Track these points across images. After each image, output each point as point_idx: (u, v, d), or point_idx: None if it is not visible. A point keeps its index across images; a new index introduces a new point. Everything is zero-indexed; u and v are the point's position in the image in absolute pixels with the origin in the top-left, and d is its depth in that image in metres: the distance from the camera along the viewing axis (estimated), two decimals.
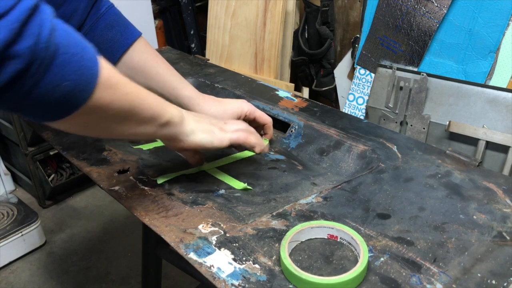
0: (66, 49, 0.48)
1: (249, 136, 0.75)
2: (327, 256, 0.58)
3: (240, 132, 0.75)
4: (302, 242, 0.60)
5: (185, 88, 0.88)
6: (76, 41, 0.50)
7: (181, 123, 0.68)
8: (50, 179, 2.08)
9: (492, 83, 1.58)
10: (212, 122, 0.74)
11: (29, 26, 0.44)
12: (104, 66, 0.53)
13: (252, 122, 0.91)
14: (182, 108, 0.84)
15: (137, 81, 0.85)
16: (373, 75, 1.84)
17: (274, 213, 0.66)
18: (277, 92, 1.05)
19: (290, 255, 0.57)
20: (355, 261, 0.56)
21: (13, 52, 0.43)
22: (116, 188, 0.73)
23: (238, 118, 0.88)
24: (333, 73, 2.14)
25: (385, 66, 1.76)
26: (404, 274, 0.54)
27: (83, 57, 0.50)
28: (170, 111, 0.65)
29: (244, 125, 0.78)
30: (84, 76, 0.49)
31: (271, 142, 0.94)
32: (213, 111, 0.87)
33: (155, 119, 0.63)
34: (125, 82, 0.57)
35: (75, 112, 0.51)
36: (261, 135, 0.93)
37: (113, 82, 0.54)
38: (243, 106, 0.88)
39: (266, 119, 0.90)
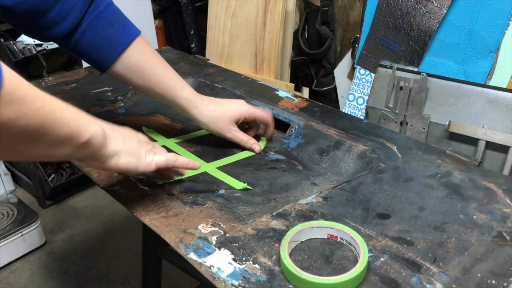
0: None
1: (178, 158, 0.71)
2: (327, 256, 0.58)
3: (169, 155, 0.70)
4: (302, 242, 0.60)
5: (183, 89, 0.86)
6: None
7: (104, 144, 0.60)
8: (50, 179, 2.08)
9: (492, 83, 1.58)
10: (140, 141, 0.67)
11: None
12: (8, 77, 0.45)
13: (253, 122, 0.91)
14: (181, 109, 0.82)
15: (135, 81, 0.85)
16: (373, 75, 1.84)
17: (274, 213, 0.66)
18: (277, 92, 1.05)
19: (290, 255, 0.57)
20: (355, 261, 0.56)
21: None
22: (116, 188, 0.73)
23: (237, 121, 0.87)
24: (333, 73, 2.14)
25: (385, 66, 1.76)
26: (404, 274, 0.54)
27: None
28: (91, 129, 0.57)
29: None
30: None
31: (270, 141, 0.94)
32: (211, 113, 0.86)
33: (71, 139, 0.55)
34: (35, 95, 0.49)
35: None
36: (259, 135, 0.93)
37: (18, 95, 0.46)
38: (242, 108, 0.87)
39: (267, 119, 0.89)
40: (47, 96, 0.51)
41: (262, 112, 0.89)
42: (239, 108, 0.87)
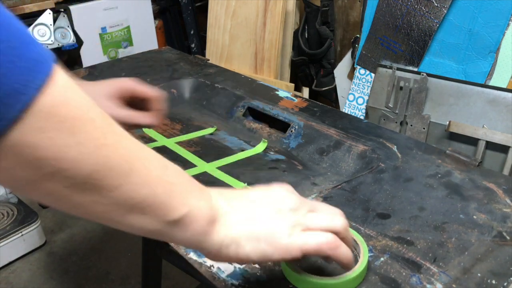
0: None
1: (339, 247, 0.46)
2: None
3: (326, 238, 0.45)
4: None
5: None
6: (10, 25, 0.30)
7: (210, 229, 0.42)
8: None
9: (492, 83, 1.58)
10: (281, 211, 0.45)
11: None
12: (65, 84, 0.32)
13: (138, 101, 0.75)
14: None
15: None
16: (373, 75, 1.84)
17: None
18: (277, 92, 1.05)
19: None
20: (355, 261, 0.56)
21: None
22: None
23: (116, 98, 0.72)
24: (333, 73, 2.14)
25: (385, 66, 1.76)
26: (404, 274, 0.54)
27: (17, 50, 0.30)
28: (189, 204, 0.40)
29: (337, 218, 0.48)
30: (11, 79, 0.29)
31: (270, 142, 0.94)
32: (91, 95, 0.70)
33: (155, 209, 0.38)
34: (109, 127, 0.35)
35: None
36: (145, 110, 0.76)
37: (76, 114, 0.32)
38: (117, 83, 0.72)
39: (151, 92, 0.74)
40: (128, 136, 0.37)
41: (144, 86, 0.74)
42: (113, 83, 0.73)
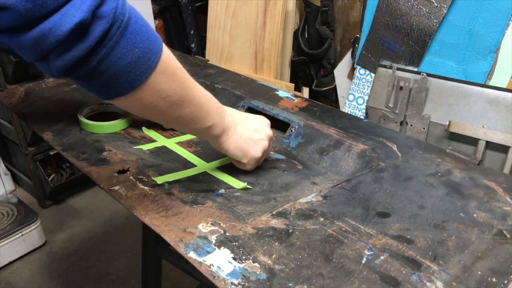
0: (136, 19, 0.54)
1: (268, 149, 0.82)
2: (327, 254, 0.58)
3: (266, 146, 0.79)
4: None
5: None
6: (142, 17, 0.57)
7: (220, 136, 0.74)
8: (50, 179, 2.08)
9: (492, 83, 1.58)
10: (254, 138, 0.77)
11: None
12: (166, 48, 0.59)
13: None
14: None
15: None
16: (373, 75, 1.84)
17: (274, 212, 0.66)
18: (277, 92, 1.05)
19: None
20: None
21: (102, 12, 0.49)
22: (116, 188, 0.73)
23: None
24: (333, 73, 2.14)
25: (385, 66, 1.76)
26: (404, 272, 0.54)
27: (149, 30, 0.56)
28: (214, 119, 0.71)
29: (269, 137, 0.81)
30: (151, 47, 0.56)
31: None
32: None
33: (199, 119, 0.68)
34: (184, 73, 0.63)
35: (140, 85, 0.56)
36: None
37: (173, 64, 0.60)
38: None
39: None
40: (190, 78, 0.65)
41: None
42: None
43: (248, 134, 0.77)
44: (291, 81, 2.22)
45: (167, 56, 0.59)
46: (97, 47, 0.50)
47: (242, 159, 0.78)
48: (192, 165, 0.83)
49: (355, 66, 1.92)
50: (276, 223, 0.64)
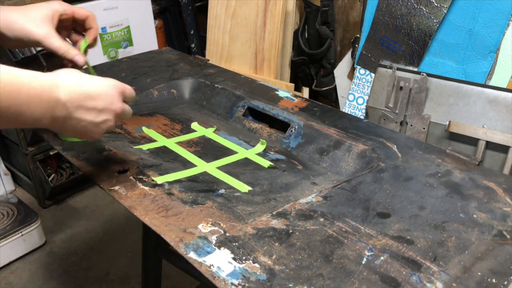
0: None
1: (114, 125, 0.71)
2: (327, 255, 0.58)
3: (110, 125, 0.69)
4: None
5: None
6: None
7: (52, 125, 0.63)
8: (50, 179, 2.08)
9: (492, 83, 1.58)
10: (98, 112, 0.66)
11: None
12: None
13: (74, 21, 0.83)
14: None
15: None
16: (373, 75, 1.84)
17: (274, 213, 0.66)
18: (277, 92, 1.05)
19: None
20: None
21: None
22: (116, 188, 0.73)
23: (53, 21, 0.78)
24: (333, 73, 2.14)
25: (385, 66, 1.76)
26: (404, 272, 0.54)
27: None
28: (33, 115, 0.58)
29: (111, 107, 0.68)
30: None
31: (270, 142, 0.94)
32: (20, 22, 0.75)
33: (13, 121, 0.57)
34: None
35: None
36: (85, 31, 0.86)
37: None
38: (53, 6, 0.78)
39: (86, 13, 0.82)
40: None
41: (79, 7, 0.81)
42: (49, 7, 0.77)
43: (88, 117, 0.65)
44: (291, 81, 2.22)
45: None
46: None
47: (82, 139, 0.73)
48: (192, 165, 0.83)
49: (355, 66, 1.92)
50: (276, 223, 0.64)
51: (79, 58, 0.80)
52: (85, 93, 0.64)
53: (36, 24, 0.75)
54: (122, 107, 0.69)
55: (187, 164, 0.83)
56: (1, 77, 0.54)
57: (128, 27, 2.24)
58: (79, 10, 0.80)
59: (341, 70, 2.10)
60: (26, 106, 0.56)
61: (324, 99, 2.26)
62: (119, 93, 0.69)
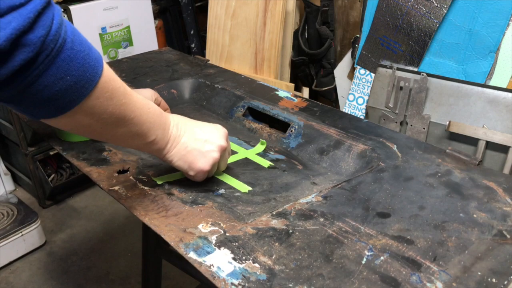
0: (72, 44, 0.50)
1: (221, 161, 0.77)
2: (327, 255, 0.58)
3: (216, 158, 0.74)
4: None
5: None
6: (82, 40, 0.52)
7: (163, 149, 0.70)
8: (50, 179, 2.08)
9: (492, 83, 1.58)
10: (204, 141, 0.73)
11: (42, 18, 0.46)
12: (108, 70, 0.56)
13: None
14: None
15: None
16: (373, 75, 1.84)
17: (274, 213, 0.66)
18: (277, 92, 1.05)
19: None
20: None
21: (27, 40, 0.45)
22: (116, 188, 0.73)
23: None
24: (333, 73, 2.14)
25: (385, 66, 1.76)
26: (404, 272, 0.54)
27: (88, 55, 0.52)
28: (156, 133, 0.67)
29: (221, 149, 0.75)
30: (86, 74, 0.52)
31: (270, 142, 0.94)
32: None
33: (141, 136, 0.65)
34: (125, 92, 0.60)
35: (71, 110, 0.53)
36: None
37: (113, 86, 0.57)
38: (153, 93, 0.91)
39: (166, 106, 0.95)
40: (135, 95, 0.62)
41: (164, 102, 0.95)
42: (151, 93, 0.91)
43: (195, 145, 0.72)
44: (291, 81, 2.22)
45: (106, 80, 0.55)
46: (17, 75, 0.46)
47: (189, 171, 0.73)
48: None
49: (355, 66, 1.92)
50: (276, 223, 0.64)
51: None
52: (194, 124, 0.74)
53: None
54: (226, 145, 0.76)
55: None
56: (138, 100, 0.64)
57: (128, 27, 2.24)
58: (163, 104, 0.94)
59: (341, 70, 2.10)
60: (151, 130, 0.66)
61: (324, 99, 2.26)
62: (225, 133, 0.76)
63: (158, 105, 0.91)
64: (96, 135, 0.64)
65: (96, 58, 0.54)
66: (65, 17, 1.93)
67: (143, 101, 0.65)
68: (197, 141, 0.72)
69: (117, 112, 0.59)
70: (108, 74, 0.56)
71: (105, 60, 2.17)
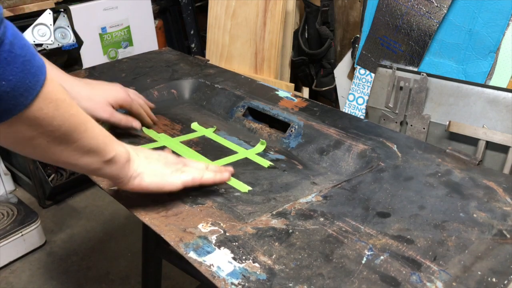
0: (11, 47, 0.45)
1: (203, 175, 0.71)
2: (327, 254, 0.58)
3: (195, 173, 0.70)
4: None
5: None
6: (24, 45, 0.47)
7: (127, 164, 0.64)
8: (50, 179, 2.08)
9: (492, 83, 1.58)
10: (167, 163, 0.69)
11: None
12: (52, 80, 0.50)
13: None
14: None
15: None
16: (373, 75, 1.84)
17: (274, 212, 0.66)
18: (277, 92, 1.05)
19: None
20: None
21: None
22: (116, 188, 0.73)
23: (112, 106, 0.87)
24: (333, 73, 2.15)
25: (385, 66, 1.76)
26: (404, 272, 0.54)
27: (30, 62, 0.47)
28: (116, 149, 0.62)
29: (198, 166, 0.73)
30: (25, 81, 0.46)
31: (270, 142, 0.94)
32: (83, 94, 0.83)
33: (98, 152, 0.59)
34: (71, 103, 0.54)
35: (9, 119, 0.47)
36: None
37: (58, 97, 0.51)
38: (118, 94, 0.87)
39: (140, 111, 0.92)
40: (80, 109, 0.56)
41: (137, 105, 0.91)
42: (115, 93, 0.87)
43: (157, 161, 0.69)
44: (291, 81, 2.22)
45: (50, 90, 0.50)
46: None
47: (164, 187, 0.68)
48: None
49: (355, 66, 1.92)
50: (276, 223, 0.64)
51: (137, 124, 0.91)
52: (148, 150, 0.72)
53: (102, 109, 0.85)
54: (187, 161, 0.73)
55: None
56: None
57: (128, 27, 2.24)
58: (136, 109, 0.92)
59: (341, 70, 2.10)
60: (109, 145, 0.61)
61: (324, 99, 2.26)
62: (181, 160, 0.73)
63: (129, 106, 0.90)
64: (41, 152, 0.55)
65: (39, 66, 0.48)
66: (65, 17, 1.93)
67: (90, 117, 0.59)
68: (157, 160, 0.69)
69: (66, 124, 0.53)
70: (53, 84, 0.50)
71: (105, 60, 2.18)
